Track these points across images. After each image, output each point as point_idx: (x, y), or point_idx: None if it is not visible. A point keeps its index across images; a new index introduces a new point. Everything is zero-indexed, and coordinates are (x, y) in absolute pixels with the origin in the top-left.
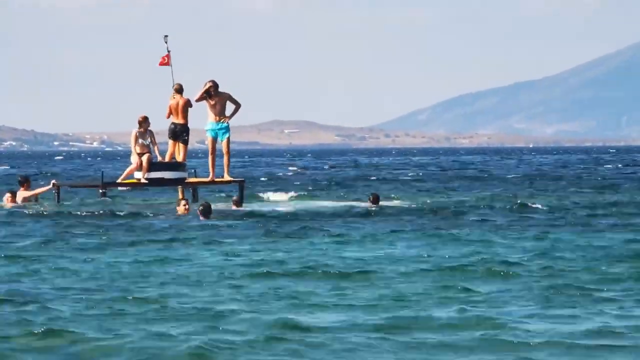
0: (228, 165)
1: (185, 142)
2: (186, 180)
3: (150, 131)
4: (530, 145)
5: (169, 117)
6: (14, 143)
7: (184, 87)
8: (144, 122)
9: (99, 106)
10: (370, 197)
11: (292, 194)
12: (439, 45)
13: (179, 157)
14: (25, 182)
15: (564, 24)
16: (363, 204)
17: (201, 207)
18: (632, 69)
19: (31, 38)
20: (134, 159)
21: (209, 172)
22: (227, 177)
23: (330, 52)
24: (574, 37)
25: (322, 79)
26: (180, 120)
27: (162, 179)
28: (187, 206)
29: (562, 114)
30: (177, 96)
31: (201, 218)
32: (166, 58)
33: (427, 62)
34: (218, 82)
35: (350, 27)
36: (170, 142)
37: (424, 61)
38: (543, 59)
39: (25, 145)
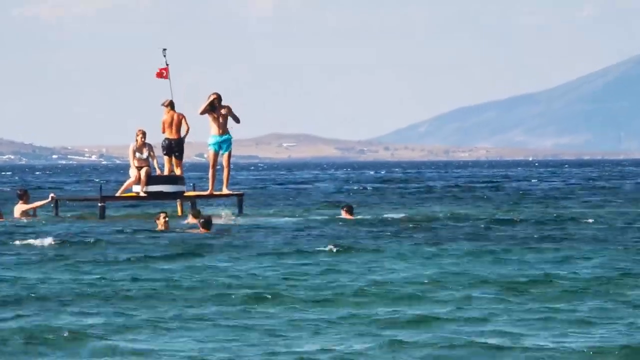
0: (228, 179)
1: (180, 157)
2: (185, 194)
3: (149, 145)
4: (530, 159)
5: (164, 132)
6: (12, 157)
7: (184, 98)
8: (141, 136)
9: (98, 119)
10: (344, 208)
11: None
12: (438, 58)
13: (177, 172)
14: (24, 195)
15: (563, 36)
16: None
17: (202, 220)
18: (632, 82)
19: (30, 50)
20: (133, 172)
21: (209, 185)
22: (225, 191)
23: (329, 63)
24: (573, 50)
25: (320, 92)
26: (174, 136)
27: (161, 192)
28: (166, 219)
29: (561, 127)
30: (171, 112)
31: (202, 231)
32: (164, 71)
33: (426, 75)
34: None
35: (348, 39)
36: (166, 157)
37: (423, 74)
38: (542, 71)
39: (24, 159)
